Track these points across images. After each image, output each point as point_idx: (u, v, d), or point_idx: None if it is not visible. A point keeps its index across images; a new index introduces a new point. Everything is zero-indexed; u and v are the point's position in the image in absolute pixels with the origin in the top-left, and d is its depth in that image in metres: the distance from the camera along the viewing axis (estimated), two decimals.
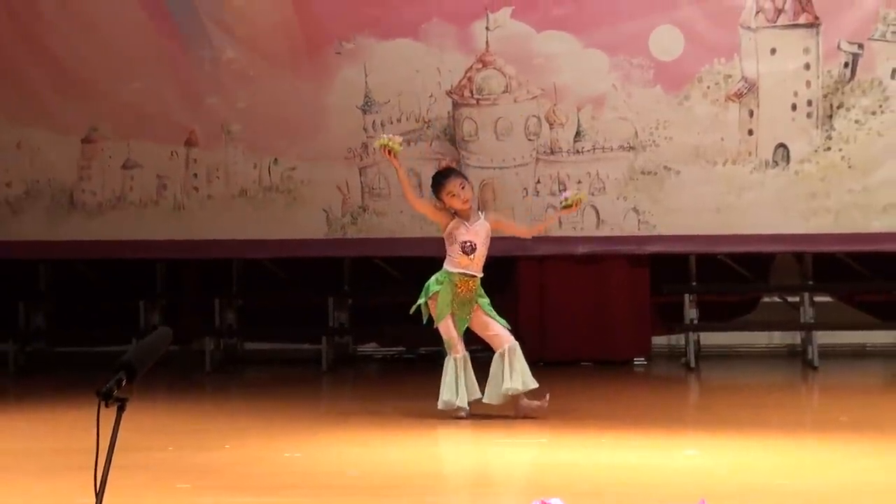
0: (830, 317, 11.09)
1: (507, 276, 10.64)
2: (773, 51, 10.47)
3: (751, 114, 10.53)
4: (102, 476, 3.33)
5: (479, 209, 8.51)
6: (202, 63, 11.02)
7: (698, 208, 10.55)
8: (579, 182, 10.63)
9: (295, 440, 7.37)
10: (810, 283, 11.00)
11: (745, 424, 7.79)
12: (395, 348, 11.63)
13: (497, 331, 7.92)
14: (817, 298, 11.02)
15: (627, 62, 10.57)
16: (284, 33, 10.89)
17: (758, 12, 10.45)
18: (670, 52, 10.55)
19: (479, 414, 7.90)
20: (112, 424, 3.32)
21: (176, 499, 5.78)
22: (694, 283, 11.03)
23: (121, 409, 3.35)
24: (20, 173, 11.24)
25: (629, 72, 10.57)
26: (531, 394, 7.88)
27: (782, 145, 10.50)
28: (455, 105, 10.76)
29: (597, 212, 10.62)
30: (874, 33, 10.40)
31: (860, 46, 10.40)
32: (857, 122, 10.42)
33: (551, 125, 10.68)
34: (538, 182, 10.69)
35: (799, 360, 10.99)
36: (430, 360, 10.25)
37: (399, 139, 7.92)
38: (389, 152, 7.84)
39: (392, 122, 10.73)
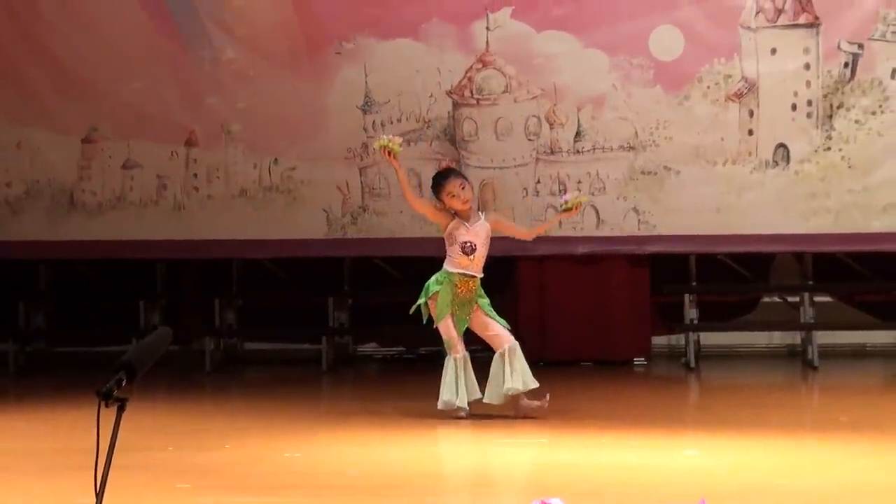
0: (830, 317, 11.09)
1: (507, 276, 10.64)
2: (773, 51, 10.47)
3: (751, 114, 10.53)
4: (102, 476, 3.33)
5: (479, 209, 8.51)
6: (202, 63, 11.02)
7: (698, 208, 10.55)
8: (579, 182, 10.63)
9: (295, 440, 7.37)
10: (810, 283, 11.00)
11: (745, 424, 7.79)
12: (395, 348, 11.63)
13: (497, 331, 7.92)
14: (817, 298, 11.02)
15: (627, 62, 10.57)
16: (284, 33, 10.89)
17: (758, 12, 10.45)
18: (670, 52, 10.55)
19: (479, 414, 7.90)
20: (112, 424, 3.32)
21: (176, 499, 5.79)
22: (694, 283, 11.03)
23: (121, 409, 3.35)
24: (20, 173, 11.24)
25: (629, 72, 10.57)
26: (531, 394, 7.88)
27: (782, 145, 10.50)
28: (455, 105, 10.76)
29: (597, 212, 10.62)
30: (874, 33, 10.40)
31: (860, 46, 10.40)
32: (857, 122, 10.42)
33: (551, 125, 10.68)
34: (538, 182, 10.69)
35: (799, 360, 10.99)
36: (430, 360, 10.25)
37: (399, 140, 7.92)
38: (389, 153, 7.84)
39: (392, 122, 10.73)
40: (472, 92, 10.73)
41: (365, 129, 10.77)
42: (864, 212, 10.46)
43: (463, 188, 7.94)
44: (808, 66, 10.44)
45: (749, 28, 10.48)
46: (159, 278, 11.51)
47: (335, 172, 10.84)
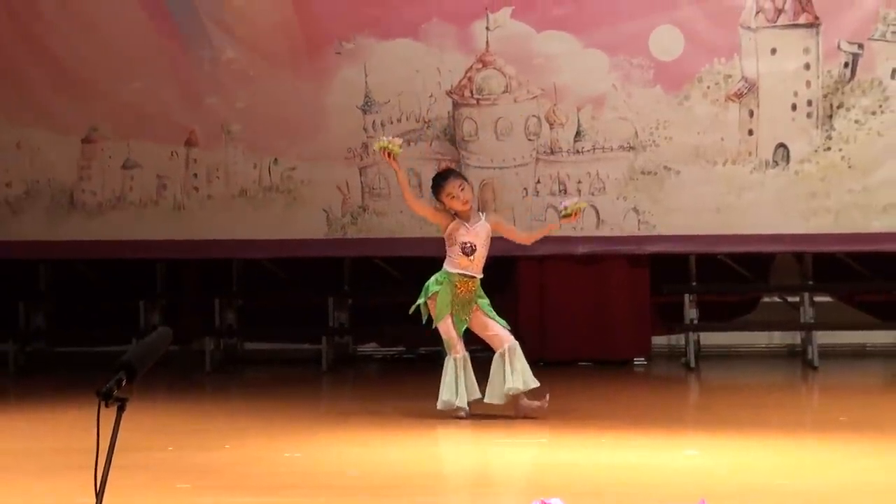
0: (830, 317, 11.09)
1: (507, 276, 10.64)
2: (773, 51, 10.47)
3: (751, 114, 10.53)
4: (102, 476, 3.33)
5: (479, 210, 8.51)
6: (202, 63, 11.02)
7: (698, 208, 10.55)
8: (579, 182, 10.63)
9: (295, 440, 7.37)
10: (810, 283, 11.00)
11: (745, 424, 7.79)
12: (395, 348, 11.63)
13: (496, 331, 7.92)
14: (817, 298, 11.02)
15: (627, 62, 10.57)
16: (284, 33, 10.89)
17: (758, 12, 10.45)
18: (670, 52, 10.55)
19: (479, 414, 7.90)
20: (112, 424, 3.32)
21: (176, 499, 5.79)
22: (694, 283, 11.03)
23: (121, 409, 3.35)
24: (20, 173, 11.24)
25: (629, 72, 10.57)
26: (531, 394, 7.88)
27: (782, 145, 10.50)
28: (455, 105, 10.76)
29: (597, 212, 10.62)
30: (874, 33, 10.40)
31: (860, 46, 10.40)
32: (857, 122, 10.42)
33: (551, 125, 10.68)
34: (538, 182, 10.69)
35: (799, 360, 10.99)
36: (430, 360, 10.25)
37: (399, 141, 7.92)
38: (389, 154, 7.84)
39: (392, 122, 10.73)
40: (472, 92, 10.73)
41: (365, 129, 10.77)
42: (864, 212, 10.46)
43: (462, 189, 7.94)
44: (808, 66, 10.44)
45: (749, 28, 10.48)
46: (159, 278, 11.51)
47: (335, 172, 10.84)
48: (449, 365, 7.91)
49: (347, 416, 8.40)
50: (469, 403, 7.88)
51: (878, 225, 10.47)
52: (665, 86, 10.55)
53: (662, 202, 10.59)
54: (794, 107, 10.47)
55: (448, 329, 7.90)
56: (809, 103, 10.45)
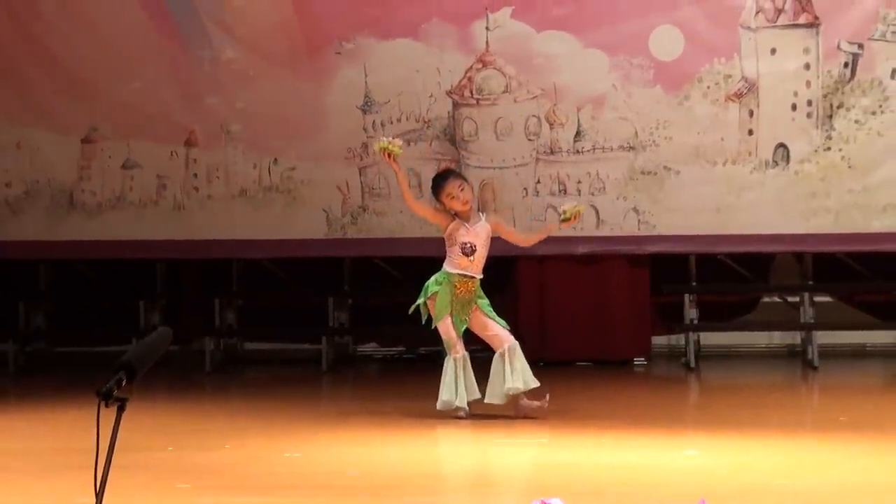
0: (830, 317, 11.09)
1: (506, 275, 10.64)
2: (773, 51, 10.47)
3: (751, 114, 10.52)
4: (102, 476, 3.33)
5: (479, 210, 8.51)
6: (202, 63, 11.02)
7: (698, 208, 10.55)
8: (579, 182, 10.63)
9: (295, 440, 7.37)
10: (810, 283, 11.00)
11: (745, 424, 7.79)
12: (395, 348, 11.63)
13: (496, 331, 7.92)
14: (817, 298, 11.02)
15: (627, 62, 10.57)
16: (284, 33, 10.89)
17: (758, 12, 10.45)
18: (670, 52, 10.55)
19: (479, 414, 7.90)
20: (112, 424, 3.32)
21: (176, 499, 5.79)
22: (694, 283, 11.03)
23: (121, 409, 3.35)
24: (20, 173, 11.24)
25: (629, 72, 10.57)
26: (531, 394, 7.88)
27: (782, 145, 10.50)
28: (455, 105, 10.76)
29: (597, 212, 10.62)
30: (874, 33, 10.40)
31: (860, 46, 10.40)
32: (857, 122, 10.42)
33: (551, 125, 10.68)
34: (538, 182, 10.69)
35: (799, 360, 10.99)
36: (430, 360, 10.25)
37: (399, 142, 7.92)
38: (389, 155, 7.84)
39: (392, 122, 10.73)
40: (472, 92, 10.73)
41: (365, 129, 10.77)
42: (864, 212, 10.46)
43: (462, 189, 7.94)
44: (808, 66, 10.44)
45: (749, 28, 10.48)
46: (159, 278, 11.51)
47: (335, 172, 10.84)
48: (449, 365, 7.91)
49: (347, 416, 8.40)
50: (469, 403, 7.88)
51: (878, 225, 10.47)
52: (665, 86, 10.55)
53: (662, 202, 10.59)
54: (794, 107, 10.47)
55: (448, 329, 7.90)
56: (809, 103, 10.45)
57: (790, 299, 11.25)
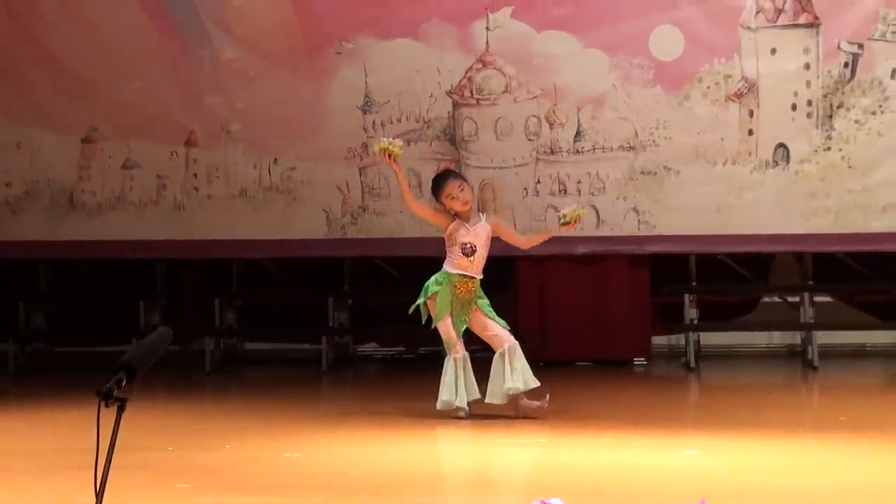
0: (830, 317, 11.09)
1: (506, 276, 10.64)
2: (773, 51, 10.47)
3: (751, 114, 10.52)
4: (102, 476, 3.33)
5: (479, 210, 8.51)
6: (202, 63, 11.02)
7: (698, 208, 10.55)
8: (579, 182, 10.63)
9: (295, 440, 7.37)
10: (810, 283, 11.00)
11: (745, 424, 7.79)
12: (395, 348, 11.63)
13: (496, 331, 7.92)
14: (817, 298, 11.02)
15: (627, 62, 10.57)
16: (284, 33, 10.89)
17: (758, 12, 10.45)
18: (670, 52, 10.55)
19: (479, 414, 7.90)
20: (112, 424, 3.32)
21: (176, 499, 5.79)
22: (694, 283, 11.03)
23: (121, 409, 3.35)
24: (20, 173, 11.24)
25: (629, 72, 10.57)
26: (531, 394, 7.88)
27: (782, 145, 10.50)
28: (455, 105, 10.76)
29: (597, 212, 10.61)
30: (874, 33, 10.40)
31: (860, 46, 10.40)
32: (857, 122, 10.42)
33: (551, 125, 10.68)
34: (538, 182, 10.69)
35: (799, 360, 10.99)
36: (430, 360, 10.25)
37: (399, 143, 7.92)
38: (389, 156, 7.84)
39: (392, 122, 10.73)
40: (472, 92, 10.73)
41: (365, 129, 10.77)
42: (864, 212, 10.46)
43: (462, 189, 7.94)
44: (808, 66, 10.44)
45: (749, 28, 10.48)
46: (159, 278, 11.51)
47: (335, 172, 10.84)
48: (449, 365, 7.91)
49: (347, 416, 8.40)
50: (469, 403, 7.88)
51: (877, 225, 10.47)
52: (665, 86, 10.55)
53: (662, 202, 10.59)
54: (794, 107, 10.47)
55: (447, 329, 7.90)
56: (809, 103, 10.45)
57: (790, 299, 11.25)
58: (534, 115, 10.68)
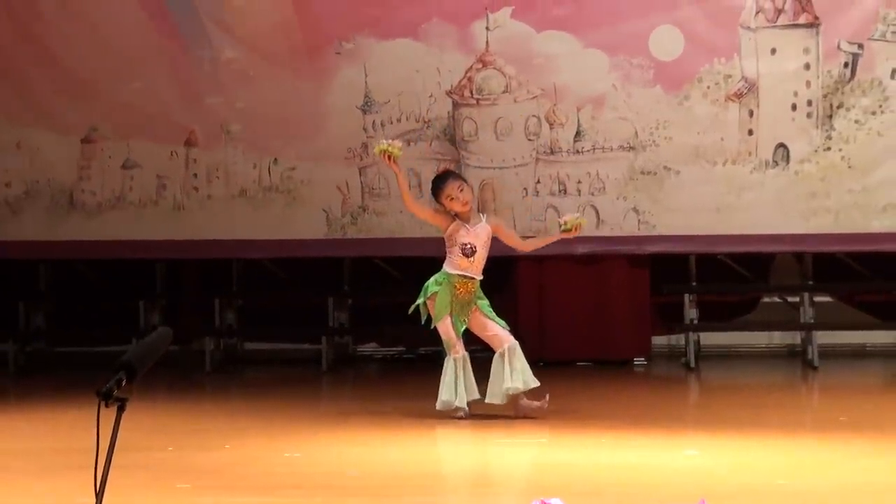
0: (830, 317, 11.09)
1: (506, 276, 10.64)
2: (773, 51, 10.47)
3: (751, 114, 10.52)
4: (102, 476, 3.33)
5: (479, 210, 8.51)
6: (202, 63, 11.02)
7: (698, 208, 10.55)
8: (579, 182, 10.63)
9: (295, 440, 7.37)
10: (810, 283, 11.00)
11: (745, 424, 7.79)
12: (395, 348, 11.63)
13: (496, 331, 7.92)
14: (817, 298, 11.02)
15: (627, 62, 10.57)
16: (284, 33, 10.89)
17: (758, 12, 10.45)
18: (670, 52, 10.55)
19: (479, 414, 7.90)
20: (112, 424, 3.32)
21: (176, 499, 5.79)
22: (694, 283, 11.03)
23: (121, 409, 3.35)
24: (20, 173, 11.24)
25: (629, 72, 10.57)
26: (531, 394, 7.88)
27: (782, 145, 10.50)
28: (455, 105, 10.76)
29: (597, 212, 10.61)
30: (874, 33, 10.40)
31: (860, 46, 10.40)
32: (857, 122, 10.42)
33: (551, 125, 10.68)
34: (538, 182, 10.69)
35: (799, 360, 10.99)
36: (429, 360, 10.25)
37: (399, 144, 7.92)
38: (389, 157, 7.83)
39: (392, 122, 10.73)
40: (472, 92, 10.73)
41: (365, 129, 10.77)
42: (864, 212, 10.46)
43: (461, 190, 7.94)
44: (807, 66, 10.44)
45: (749, 28, 10.48)
46: (159, 278, 11.51)
47: (335, 172, 10.84)
48: (448, 365, 7.91)
49: (347, 416, 8.40)
50: (468, 403, 7.88)
51: (877, 225, 10.47)
52: (665, 86, 10.55)
53: (662, 202, 10.59)
54: (793, 107, 10.47)
55: (447, 329, 7.90)
56: (809, 103, 10.45)
57: (790, 299, 11.25)
58: (534, 115, 10.68)
